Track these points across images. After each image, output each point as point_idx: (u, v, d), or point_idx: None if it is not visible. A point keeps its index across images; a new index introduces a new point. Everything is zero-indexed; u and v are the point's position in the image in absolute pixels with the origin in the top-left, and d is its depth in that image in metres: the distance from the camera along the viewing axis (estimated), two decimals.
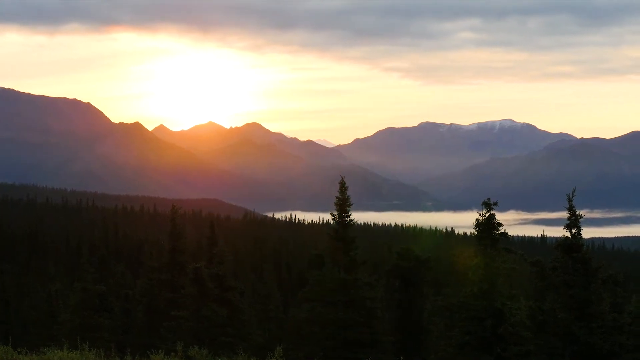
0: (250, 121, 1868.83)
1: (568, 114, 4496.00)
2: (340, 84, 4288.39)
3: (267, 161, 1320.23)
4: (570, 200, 42.30)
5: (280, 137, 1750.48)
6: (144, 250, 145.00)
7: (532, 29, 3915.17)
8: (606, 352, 40.46)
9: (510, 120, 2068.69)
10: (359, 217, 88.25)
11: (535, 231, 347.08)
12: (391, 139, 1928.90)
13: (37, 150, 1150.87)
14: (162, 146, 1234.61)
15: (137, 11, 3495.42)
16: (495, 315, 42.90)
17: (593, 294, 42.04)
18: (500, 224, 44.85)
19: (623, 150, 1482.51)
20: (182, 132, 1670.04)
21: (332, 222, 54.97)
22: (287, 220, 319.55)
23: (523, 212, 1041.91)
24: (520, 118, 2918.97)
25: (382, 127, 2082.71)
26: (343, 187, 54.14)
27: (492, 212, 44.94)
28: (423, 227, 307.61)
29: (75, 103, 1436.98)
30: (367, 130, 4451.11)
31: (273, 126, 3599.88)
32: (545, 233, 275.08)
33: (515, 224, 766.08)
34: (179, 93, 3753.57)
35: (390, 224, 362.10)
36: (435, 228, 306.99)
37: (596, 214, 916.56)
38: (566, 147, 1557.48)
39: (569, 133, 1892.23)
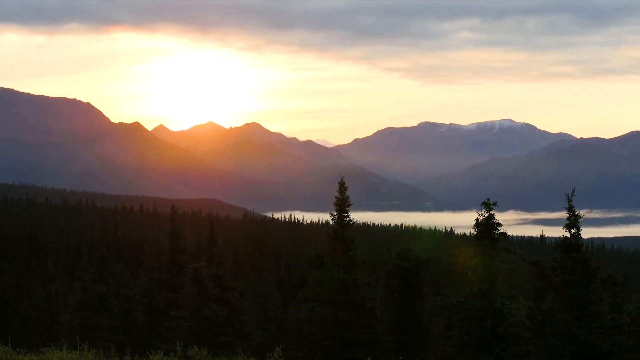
0: (249, 121, 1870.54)
1: (567, 114, 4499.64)
2: (340, 84, 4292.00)
3: (266, 161, 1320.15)
4: (569, 200, 42.34)
5: (279, 137, 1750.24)
6: (144, 250, 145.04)
7: (532, 29, 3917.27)
8: (605, 352, 40.48)
9: (509, 120, 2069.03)
10: (358, 217, 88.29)
11: (534, 231, 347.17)
12: (391, 139, 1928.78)
13: (36, 150, 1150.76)
14: (161, 146, 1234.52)
15: (136, 11, 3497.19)
16: (494, 315, 42.94)
17: (592, 294, 42.07)
18: (499, 224, 44.90)
19: (623, 150, 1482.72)
20: (181, 132, 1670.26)
21: (331, 222, 54.99)
22: (287, 220, 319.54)
23: (522, 212, 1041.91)
24: (519, 118, 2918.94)
25: (382, 127, 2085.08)
26: (342, 187, 54.16)
27: (491, 212, 45.00)
28: (422, 227, 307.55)
29: (74, 103, 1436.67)
30: (366, 130, 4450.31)
31: (272, 126, 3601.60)
32: (544, 233, 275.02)
33: (514, 224, 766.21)
34: (178, 93, 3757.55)
35: (390, 224, 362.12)
36: (435, 228, 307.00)
37: (595, 214, 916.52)
38: (566, 147, 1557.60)
39: (569, 133, 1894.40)
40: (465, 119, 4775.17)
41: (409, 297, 73.52)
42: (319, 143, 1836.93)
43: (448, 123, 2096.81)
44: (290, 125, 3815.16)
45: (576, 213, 42.69)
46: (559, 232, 43.70)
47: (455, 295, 47.04)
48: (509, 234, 47.02)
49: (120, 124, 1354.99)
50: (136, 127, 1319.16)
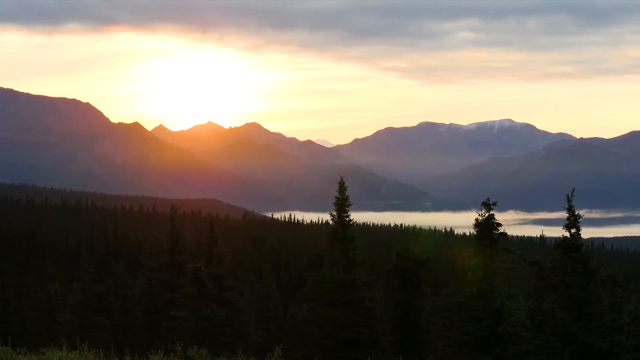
0: (249, 121, 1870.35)
1: (567, 114, 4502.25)
2: (339, 84, 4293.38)
3: (266, 161, 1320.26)
4: (569, 200, 42.31)
5: (279, 137, 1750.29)
6: (143, 250, 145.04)
7: (531, 29, 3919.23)
8: (605, 352, 40.46)
9: (509, 120, 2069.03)
10: (358, 217, 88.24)
11: (534, 231, 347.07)
12: (390, 139, 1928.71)
13: (36, 150, 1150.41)
14: (161, 146, 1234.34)
15: (136, 11, 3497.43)
16: (494, 315, 42.94)
17: (592, 294, 42.05)
18: (499, 224, 44.90)
19: (622, 150, 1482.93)
20: (181, 132, 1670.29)
21: (331, 222, 55.00)
22: (286, 220, 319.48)
23: (522, 212, 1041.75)
24: (519, 118, 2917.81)
25: (381, 127, 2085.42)
26: (342, 187, 54.16)
27: (491, 212, 45.01)
28: (422, 227, 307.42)
29: (74, 103, 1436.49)
30: (366, 130, 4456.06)
31: (272, 126, 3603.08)
32: (544, 233, 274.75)
33: (514, 224, 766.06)
34: (178, 93, 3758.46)
35: (389, 224, 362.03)
36: (435, 228, 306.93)
37: (595, 214, 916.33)
38: (565, 147, 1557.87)
39: (568, 133, 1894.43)
40: (465, 119, 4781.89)
41: (408, 297, 73.54)
42: (319, 143, 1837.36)
43: (448, 123, 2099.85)
44: (290, 125, 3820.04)
45: (576, 213, 42.66)
46: (558, 232, 43.67)
47: (455, 295, 47.07)
48: (508, 234, 47.03)
49: (120, 124, 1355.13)
50: (136, 127, 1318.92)
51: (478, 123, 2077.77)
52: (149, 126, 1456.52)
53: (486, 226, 44.80)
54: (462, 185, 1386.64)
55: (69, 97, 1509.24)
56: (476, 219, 45.16)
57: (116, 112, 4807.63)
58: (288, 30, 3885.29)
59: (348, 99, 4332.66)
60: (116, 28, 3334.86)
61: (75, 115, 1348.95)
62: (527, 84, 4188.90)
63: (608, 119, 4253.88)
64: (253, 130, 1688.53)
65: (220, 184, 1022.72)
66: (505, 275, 44.40)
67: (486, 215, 44.92)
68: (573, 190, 42.58)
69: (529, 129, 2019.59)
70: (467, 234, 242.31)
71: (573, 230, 42.75)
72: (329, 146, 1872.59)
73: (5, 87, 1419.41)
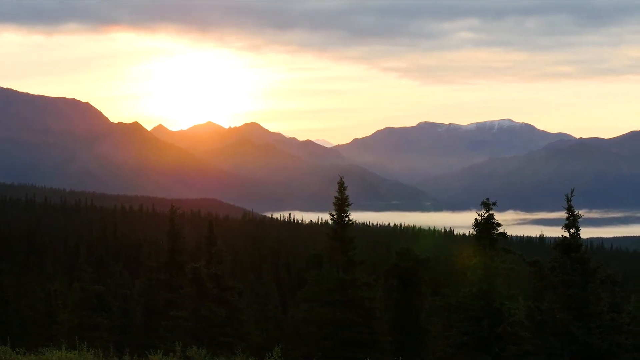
0: (249, 121, 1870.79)
1: (567, 114, 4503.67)
2: (339, 84, 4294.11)
3: (265, 161, 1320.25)
4: (568, 200, 42.29)
5: (278, 137, 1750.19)
6: (143, 250, 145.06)
7: (531, 28, 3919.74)
8: (604, 352, 40.45)
9: (509, 120, 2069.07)
10: (357, 217, 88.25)
11: (533, 231, 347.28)
12: (390, 139, 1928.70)
13: (35, 150, 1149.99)
14: (160, 146, 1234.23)
15: (135, 11, 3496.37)
16: (493, 315, 42.93)
17: (591, 294, 42.03)
18: (498, 224, 44.89)
19: (622, 150, 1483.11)
20: (180, 132, 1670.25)
21: (330, 222, 55.00)
22: (286, 220, 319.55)
23: (522, 212, 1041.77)
24: (519, 118, 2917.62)
25: (381, 127, 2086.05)
26: (342, 187, 54.16)
27: (490, 212, 44.99)
28: (421, 227, 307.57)
29: (74, 103, 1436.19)
30: (365, 130, 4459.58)
31: (272, 126, 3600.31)
32: (543, 233, 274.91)
33: (513, 224, 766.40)
34: (177, 93, 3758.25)
35: (389, 224, 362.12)
36: (434, 228, 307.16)
37: (595, 214, 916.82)
38: (565, 147, 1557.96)
39: (568, 133, 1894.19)
40: (465, 118, 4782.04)
41: (407, 297, 73.53)
42: (318, 143, 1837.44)
43: (447, 123, 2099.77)
44: (290, 125, 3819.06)
45: (575, 213, 42.63)
46: (558, 232, 43.65)
47: (455, 295, 47.03)
48: (508, 234, 46.99)
49: (120, 123, 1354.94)
50: (135, 127, 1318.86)
51: (477, 123, 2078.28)
52: (148, 126, 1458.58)
53: (486, 226, 44.79)
54: (462, 185, 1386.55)
55: (69, 97, 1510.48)
56: (476, 219, 45.14)
57: (116, 112, 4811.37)
58: (288, 30, 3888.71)
59: (348, 99, 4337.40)
60: (116, 28, 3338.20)
61: (74, 115, 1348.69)
62: (526, 84, 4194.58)
63: (608, 119, 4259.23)
64: (253, 130, 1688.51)
65: (219, 184, 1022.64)
66: (504, 275, 44.39)
67: (486, 215, 44.90)
68: (572, 190, 42.56)
69: (528, 129, 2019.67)
70: (467, 234, 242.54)
71: (572, 230, 42.73)
72: (328, 146, 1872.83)
73: (5, 87, 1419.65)
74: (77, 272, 73.39)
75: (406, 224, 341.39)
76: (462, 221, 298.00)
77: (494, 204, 45.27)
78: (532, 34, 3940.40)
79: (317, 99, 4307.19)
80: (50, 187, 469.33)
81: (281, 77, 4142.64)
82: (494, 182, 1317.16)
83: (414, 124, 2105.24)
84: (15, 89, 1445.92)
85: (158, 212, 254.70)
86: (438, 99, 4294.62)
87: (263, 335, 70.98)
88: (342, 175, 56.17)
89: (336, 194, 54.04)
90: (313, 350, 50.46)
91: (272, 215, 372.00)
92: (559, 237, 43.31)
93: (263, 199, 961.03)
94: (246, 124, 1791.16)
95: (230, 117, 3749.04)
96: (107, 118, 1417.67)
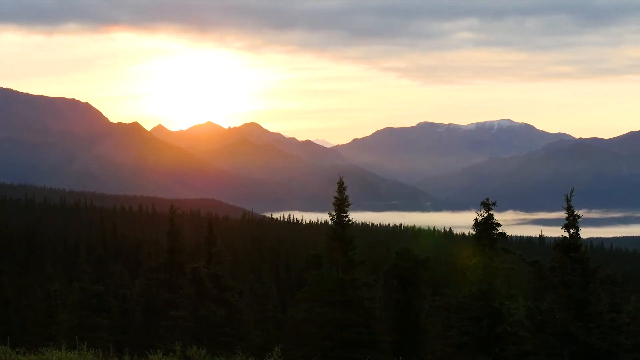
0: (248, 121, 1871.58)
1: (566, 114, 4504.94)
2: (339, 84, 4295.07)
3: (265, 161, 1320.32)
4: (568, 201, 42.30)
5: (278, 137, 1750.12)
6: (142, 250, 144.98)
7: (531, 28, 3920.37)
8: (604, 352, 40.46)
9: (508, 120, 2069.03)
10: (357, 217, 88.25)
11: (533, 231, 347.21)
12: (389, 139, 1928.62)
13: (35, 150, 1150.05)
14: (160, 146, 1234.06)
15: (135, 11, 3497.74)
16: (493, 315, 42.92)
17: (591, 294, 42.04)
18: (498, 224, 44.87)
19: (621, 150, 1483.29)
20: (180, 132, 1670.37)
21: (330, 222, 54.98)
22: (286, 220, 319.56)
23: (521, 212, 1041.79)
24: (518, 118, 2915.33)
25: (381, 127, 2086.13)
26: (341, 187, 54.15)
27: (490, 212, 44.97)
28: (421, 227, 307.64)
29: (73, 103, 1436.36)
30: (365, 130, 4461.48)
31: (271, 126, 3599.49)
32: (543, 233, 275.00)
33: (513, 224, 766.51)
34: (177, 93, 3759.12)
35: (389, 224, 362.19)
36: (434, 228, 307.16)
37: (594, 214, 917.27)
38: (564, 147, 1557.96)
39: (568, 133, 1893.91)
40: (464, 119, 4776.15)
41: (407, 297, 73.54)
42: (318, 143, 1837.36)
43: (447, 123, 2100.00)
44: (289, 125, 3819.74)
45: (575, 213, 42.64)
46: (557, 232, 43.67)
47: (454, 295, 47.03)
48: (507, 234, 46.98)
49: (119, 124, 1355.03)
50: (135, 127, 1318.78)
51: (477, 123, 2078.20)
52: (148, 126, 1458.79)
53: (485, 226, 44.78)
54: (461, 185, 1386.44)
55: (68, 97, 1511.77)
56: (475, 219, 45.13)
57: (115, 112, 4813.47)
58: (287, 30, 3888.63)
59: (347, 99, 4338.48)
60: (116, 28, 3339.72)
61: (74, 115, 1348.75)
62: (526, 84, 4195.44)
63: (607, 119, 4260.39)
64: (252, 130, 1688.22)
65: (219, 184, 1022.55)
66: (504, 275, 44.37)
67: (485, 215, 44.89)
68: (572, 190, 42.58)
69: (528, 129, 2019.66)
70: (466, 234, 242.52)
71: (572, 230, 42.74)
72: (328, 146, 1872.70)
73: (5, 87, 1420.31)
74: (77, 272, 73.33)
75: (406, 224, 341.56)
76: (462, 221, 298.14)
77: (494, 204, 45.26)
78: (532, 34, 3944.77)
79: (317, 99, 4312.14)
80: (49, 187, 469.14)
81: (281, 77, 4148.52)
82: (494, 182, 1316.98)
83: (414, 124, 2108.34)
84: (15, 89, 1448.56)
85: (158, 212, 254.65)
86: (438, 99, 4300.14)
87: (263, 335, 70.98)
88: (342, 176, 56.17)
89: (336, 194, 54.02)
90: (313, 350, 50.46)
91: (271, 215, 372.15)
92: (558, 237, 43.33)
93: (263, 199, 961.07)
94: (246, 124, 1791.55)
95: (230, 117, 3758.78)
96: (106, 118, 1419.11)
